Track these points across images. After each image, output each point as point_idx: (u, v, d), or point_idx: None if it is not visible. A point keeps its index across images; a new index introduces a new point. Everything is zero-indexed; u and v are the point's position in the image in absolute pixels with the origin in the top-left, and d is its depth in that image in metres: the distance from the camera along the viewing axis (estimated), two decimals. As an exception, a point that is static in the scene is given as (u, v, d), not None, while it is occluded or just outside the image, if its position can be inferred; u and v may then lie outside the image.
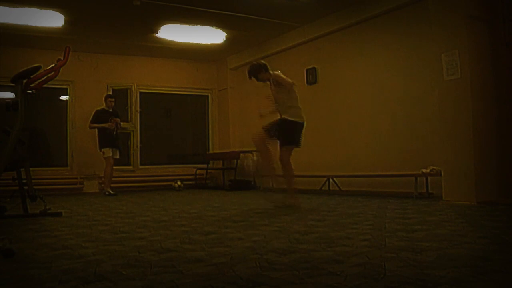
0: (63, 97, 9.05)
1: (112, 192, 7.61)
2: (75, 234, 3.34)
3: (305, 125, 5.00)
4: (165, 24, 7.41)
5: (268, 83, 5.09)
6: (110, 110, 7.94)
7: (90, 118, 7.92)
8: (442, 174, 5.09)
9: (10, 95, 7.17)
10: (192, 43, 8.34)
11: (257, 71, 5.05)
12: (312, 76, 7.80)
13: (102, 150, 7.77)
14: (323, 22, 7.32)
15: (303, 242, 2.75)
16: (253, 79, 5.12)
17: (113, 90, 9.07)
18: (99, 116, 7.84)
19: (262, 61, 5.27)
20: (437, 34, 5.17)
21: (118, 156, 7.94)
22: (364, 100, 6.84)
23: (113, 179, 7.90)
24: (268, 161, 5.16)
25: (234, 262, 2.22)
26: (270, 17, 7.12)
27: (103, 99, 8.05)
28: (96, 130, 7.87)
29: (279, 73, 4.97)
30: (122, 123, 8.16)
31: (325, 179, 7.03)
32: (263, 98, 5.14)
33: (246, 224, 3.65)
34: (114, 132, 7.80)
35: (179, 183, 8.72)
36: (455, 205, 4.65)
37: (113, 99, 8.05)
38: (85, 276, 1.99)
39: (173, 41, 8.15)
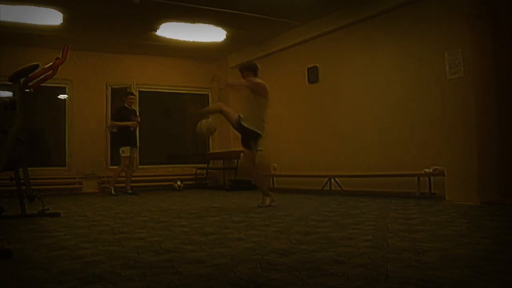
0: (61, 96, 9.02)
1: (113, 193, 7.56)
2: (74, 234, 3.32)
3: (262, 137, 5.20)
4: (164, 22, 7.38)
5: (245, 82, 5.19)
6: (130, 107, 7.90)
7: (112, 116, 7.86)
8: (445, 173, 5.06)
9: (8, 94, 7.14)
10: (192, 42, 8.32)
11: (252, 70, 5.24)
12: (313, 75, 7.78)
13: (122, 149, 7.69)
14: (324, 20, 7.29)
15: (304, 243, 2.73)
16: (240, 73, 5.30)
17: (112, 89, 9.04)
18: (121, 114, 7.79)
19: (257, 64, 5.39)
20: (439, 33, 5.15)
21: (136, 155, 7.91)
22: (366, 99, 6.81)
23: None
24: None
25: (234, 263, 2.20)
26: (271, 16, 7.10)
27: (124, 96, 8.05)
28: (115, 128, 7.83)
29: (261, 81, 5.16)
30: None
31: (327, 179, 7.00)
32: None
33: (246, 225, 3.63)
34: (134, 131, 7.79)
35: (179, 183, 8.70)
36: (457, 205, 4.63)
37: (133, 96, 8.05)
38: (84, 277, 1.98)
39: (173, 39, 8.12)
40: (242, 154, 5.28)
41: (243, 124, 5.06)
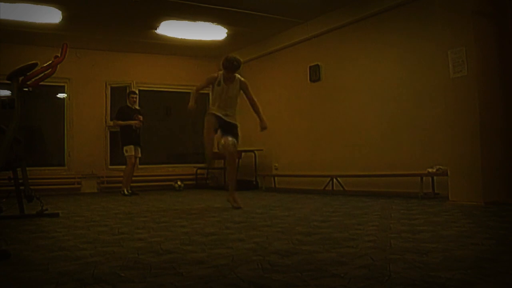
0: (60, 95, 9.00)
1: (126, 193, 7.50)
2: (73, 235, 3.30)
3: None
4: (165, 20, 7.37)
5: (221, 79, 5.33)
6: (133, 107, 7.89)
7: (115, 115, 7.84)
8: (449, 173, 5.02)
9: (6, 92, 7.12)
10: (192, 40, 8.30)
11: (239, 68, 5.29)
12: (315, 74, 7.74)
13: (125, 148, 7.67)
14: (326, 18, 7.27)
15: (306, 244, 2.70)
16: (228, 69, 5.36)
17: (111, 88, 9.01)
18: (123, 113, 7.78)
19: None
20: (442, 31, 5.11)
21: (140, 155, 7.90)
22: (369, 98, 6.78)
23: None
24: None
25: (235, 264, 2.18)
26: (273, 13, 7.08)
27: (126, 95, 8.05)
28: (118, 127, 7.80)
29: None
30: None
31: (329, 179, 6.97)
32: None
33: (247, 225, 3.60)
34: (138, 130, 7.76)
35: (179, 183, 8.67)
36: (461, 205, 4.60)
37: (136, 95, 8.03)
38: (83, 278, 1.95)
39: (173, 37, 8.10)
40: (225, 141, 5.16)
41: (229, 120, 5.23)
